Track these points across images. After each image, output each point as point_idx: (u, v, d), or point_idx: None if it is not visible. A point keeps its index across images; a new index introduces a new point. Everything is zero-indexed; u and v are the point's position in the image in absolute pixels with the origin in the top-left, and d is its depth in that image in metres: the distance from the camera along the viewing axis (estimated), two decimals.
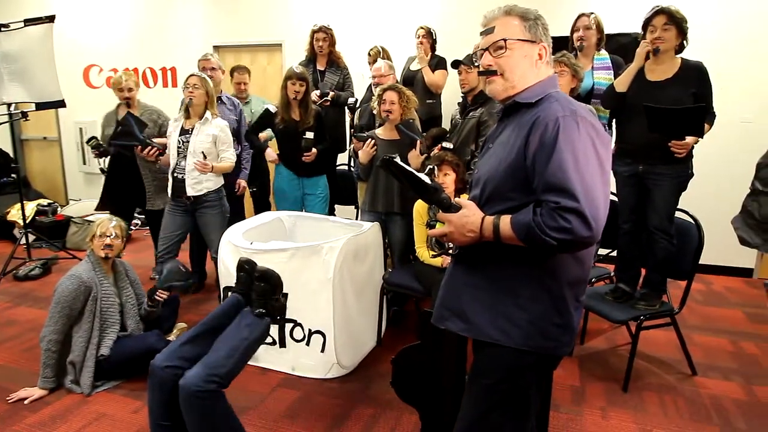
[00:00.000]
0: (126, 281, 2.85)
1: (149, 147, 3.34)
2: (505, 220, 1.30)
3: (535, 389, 1.45)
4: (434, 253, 2.89)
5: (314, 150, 3.59)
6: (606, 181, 1.30)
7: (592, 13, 3.25)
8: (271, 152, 3.92)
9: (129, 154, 3.49)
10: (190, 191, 3.29)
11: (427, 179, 1.42)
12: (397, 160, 1.41)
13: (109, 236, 2.73)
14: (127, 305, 2.81)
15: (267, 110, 3.67)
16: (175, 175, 3.33)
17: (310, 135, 3.56)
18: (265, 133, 3.94)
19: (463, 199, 1.42)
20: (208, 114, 3.30)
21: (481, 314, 1.42)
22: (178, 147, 3.30)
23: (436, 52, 4.06)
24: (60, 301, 2.58)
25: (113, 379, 2.71)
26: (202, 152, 3.25)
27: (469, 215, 1.36)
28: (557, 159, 1.25)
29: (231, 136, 3.43)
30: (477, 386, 1.49)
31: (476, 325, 1.43)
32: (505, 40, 1.39)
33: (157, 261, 3.45)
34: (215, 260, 3.33)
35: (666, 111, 2.57)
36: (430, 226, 2.86)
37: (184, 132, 3.30)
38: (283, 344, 2.79)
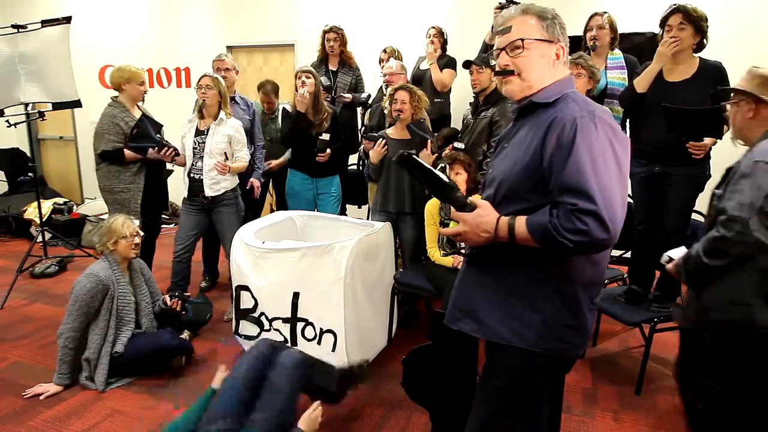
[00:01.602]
0: (141, 279, 2.89)
1: (165, 148, 3.36)
2: (521, 221, 1.29)
3: (547, 391, 1.44)
4: (445, 252, 2.90)
5: (328, 151, 3.60)
6: (624, 184, 1.28)
7: (605, 12, 3.22)
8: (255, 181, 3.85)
9: (142, 156, 3.51)
10: (209, 191, 3.32)
11: (443, 176, 1.40)
12: (414, 155, 1.40)
13: (136, 236, 2.79)
14: (142, 303, 2.85)
15: (284, 110, 3.70)
16: (192, 175, 3.35)
17: (326, 136, 3.58)
18: (284, 158, 4.00)
19: (479, 199, 1.40)
20: (222, 114, 3.33)
21: (494, 315, 1.41)
22: (194, 148, 3.32)
23: (447, 53, 4.06)
24: (78, 299, 2.62)
25: (127, 375, 2.75)
26: (224, 153, 3.29)
27: (484, 215, 1.35)
28: (575, 160, 1.23)
29: (245, 136, 3.45)
30: (489, 387, 1.48)
31: (488, 326, 1.42)
32: (522, 40, 1.37)
33: (174, 260, 3.46)
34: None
35: (685, 112, 2.53)
36: (443, 224, 2.86)
37: (199, 133, 3.33)
38: (294, 343, 2.80)
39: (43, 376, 2.74)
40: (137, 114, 3.52)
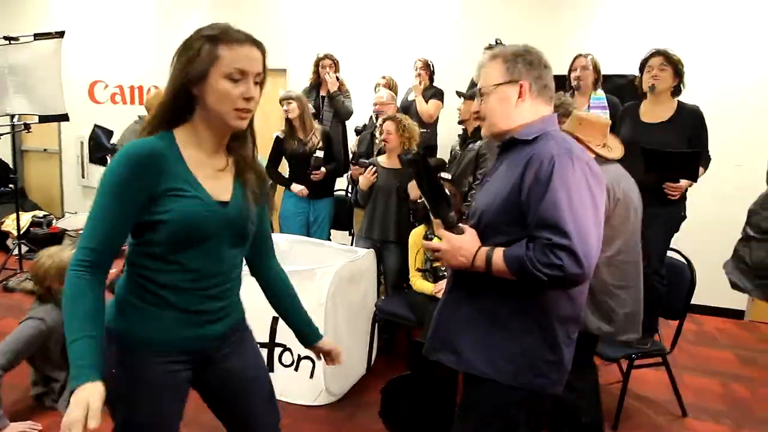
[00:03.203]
0: None
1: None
2: (498, 253, 1.32)
3: (524, 427, 1.43)
4: (424, 275, 2.90)
5: (323, 169, 3.62)
6: (599, 220, 1.31)
7: (589, 54, 3.34)
8: (296, 186, 3.73)
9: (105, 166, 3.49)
10: None
11: (447, 191, 1.43)
12: (429, 161, 1.42)
13: None
14: None
15: (276, 137, 3.74)
16: None
17: (320, 154, 3.61)
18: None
19: (467, 226, 1.43)
20: None
21: (472, 347, 1.41)
22: None
23: (435, 84, 4.14)
24: (18, 341, 2.37)
25: None
26: None
27: (467, 241, 1.38)
28: (551, 196, 1.26)
29: None
30: (465, 420, 1.48)
31: (466, 359, 1.42)
32: (479, 89, 1.46)
33: None
34: None
35: (662, 154, 2.62)
36: (427, 238, 2.87)
37: None
38: (271, 369, 2.76)
39: (14, 393, 2.65)
40: None
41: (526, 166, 1.33)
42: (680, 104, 2.82)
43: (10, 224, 5.02)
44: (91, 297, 1.13)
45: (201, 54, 1.19)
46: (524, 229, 1.32)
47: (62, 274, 2.29)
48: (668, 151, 2.61)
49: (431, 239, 1.49)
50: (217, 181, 1.26)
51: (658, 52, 2.79)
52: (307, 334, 1.62)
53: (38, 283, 2.49)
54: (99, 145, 3.30)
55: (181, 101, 1.21)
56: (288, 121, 3.63)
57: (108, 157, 3.30)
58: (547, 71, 1.45)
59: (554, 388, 1.42)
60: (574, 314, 1.43)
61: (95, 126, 3.41)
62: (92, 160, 3.46)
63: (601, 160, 2.05)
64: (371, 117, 4.07)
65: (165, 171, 1.17)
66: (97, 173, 3.80)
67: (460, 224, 1.42)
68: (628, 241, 2.08)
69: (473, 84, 3.69)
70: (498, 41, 3.42)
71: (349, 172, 3.87)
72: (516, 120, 1.42)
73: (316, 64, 4.21)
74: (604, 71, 3.40)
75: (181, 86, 1.19)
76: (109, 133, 3.41)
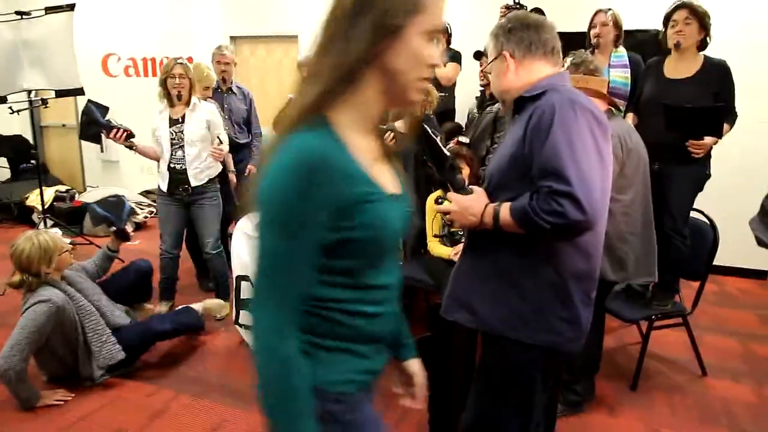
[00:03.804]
0: (83, 278, 2.73)
1: (115, 129, 3.11)
2: (505, 207, 1.34)
3: (540, 385, 1.45)
4: (440, 234, 2.92)
5: None
6: (605, 169, 1.31)
7: (609, 9, 3.21)
8: None
9: (98, 143, 3.47)
10: (194, 181, 3.19)
11: (448, 154, 1.45)
12: (428, 128, 1.45)
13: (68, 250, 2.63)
14: (102, 301, 2.69)
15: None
16: (173, 166, 3.18)
17: None
18: None
19: (475, 186, 1.46)
20: (194, 99, 3.20)
21: (487, 306, 1.43)
22: (172, 138, 3.17)
23: (452, 46, 4.05)
24: (27, 327, 2.34)
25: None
26: (218, 137, 3.22)
27: (475, 199, 1.41)
28: (551, 143, 1.26)
29: (221, 118, 3.35)
30: (483, 379, 1.51)
31: (482, 317, 1.44)
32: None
33: (166, 256, 3.35)
34: (210, 257, 3.33)
35: (684, 110, 2.54)
36: (438, 202, 2.89)
37: (173, 122, 3.17)
38: None
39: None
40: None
41: (529, 119, 1.34)
42: (706, 59, 2.71)
43: (34, 199, 5.13)
44: (307, 374, 0.89)
45: (395, 3, 0.87)
46: (531, 184, 1.32)
47: (48, 255, 2.43)
48: (690, 107, 2.53)
49: (442, 203, 1.50)
50: (379, 171, 0.97)
51: (683, 5, 2.67)
52: (401, 346, 1.26)
53: (26, 271, 2.42)
54: (93, 121, 3.22)
55: (360, 70, 0.89)
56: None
57: (102, 134, 3.23)
58: (533, 30, 1.46)
59: (570, 345, 1.42)
60: (589, 271, 1.42)
61: (89, 101, 3.34)
62: (84, 137, 3.34)
63: (609, 113, 2.09)
64: None
65: (342, 174, 0.86)
66: (114, 146, 3.76)
67: (468, 186, 1.44)
68: (639, 190, 2.15)
69: None
70: (517, 3, 3.31)
71: None
72: (517, 85, 1.46)
73: None
74: (625, 26, 3.27)
75: (365, 48, 0.87)
76: (105, 109, 3.33)
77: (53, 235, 2.61)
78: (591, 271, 1.42)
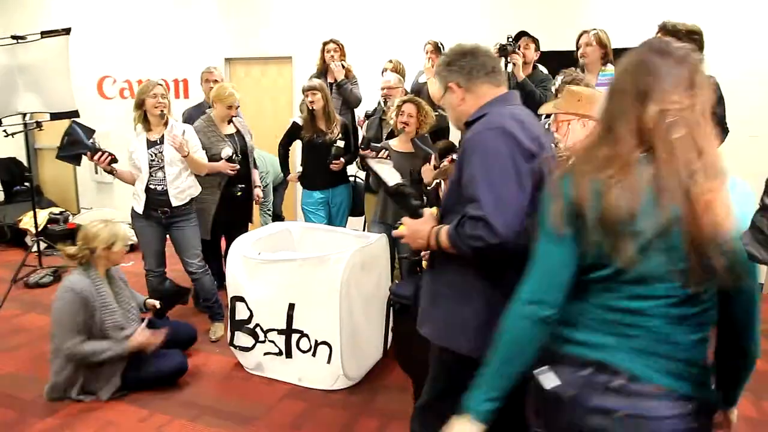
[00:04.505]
0: (121, 286, 2.81)
1: (99, 152, 3.13)
2: (443, 230, 1.44)
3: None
4: (404, 257, 2.97)
5: (342, 159, 3.63)
6: (524, 192, 1.35)
7: (593, 29, 3.27)
8: (293, 176, 3.94)
9: (76, 165, 3.44)
10: (174, 201, 3.17)
11: (392, 182, 1.60)
12: (373, 162, 1.52)
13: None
14: (131, 310, 2.78)
15: (294, 123, 3.76)
16: (152, 187, 3.16)
17: (341, 144, 3.62)
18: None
19: (427, 209, 1.57)
20: (170, 120, 3.23)
21: (439, 320, 1.55)
22: (151, 160, 3.15)
23: None
24: (60, 319, 2.54)
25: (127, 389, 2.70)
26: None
27: (423, 223, 1.53)
28: (470, 170, 1.37)
29: (197, 137, 3.34)
30: (430, 388, 1.66)
31: (435, 331, 1.56)
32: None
33: (152, 276, 3.33)
34: (198, 276, 3.30)
35: None
36: (395, 227, 2.91)
37: (151, 144, 3.16)
38: (289, 355, 2.80)
39: (36, 387, 2.71)
40: (227, 130, 3.54)
41: (463, 147, 1.44)
42: None
43: (28, 222, 5.10)
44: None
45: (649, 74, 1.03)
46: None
47: (111, 240, 2.63)
48: None
49: (398, 228, 1.63)
50: None
51: (663, 25, 2.72)
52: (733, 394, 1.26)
53: (85, 242, 2.61)
54: (77, 142, 3.20)
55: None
56: (310, 110, 3.63)
57: (86, 156, 3.19)
58: (470, 57, 1.54)
59: None
60: None
61: (73, 122, 3.33)
62: (63, 157, 3.27)
63: None
64: (379, 101, 4.05)
65: None
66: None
67: (421, 211, 1.58)
68: None
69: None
70: (509, 39, 3.41)
71: (357, 159, 3.87)
72: (470, 111, 1.54)
73: (323, 50, 4.19)
74: (616, 44, 3.32)
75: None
76: (91, 132, 3.31)
77: (125, 229, 2.76)
78: None
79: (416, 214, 1.56)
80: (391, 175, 1.65)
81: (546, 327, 1.09)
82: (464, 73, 1.53)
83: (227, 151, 3.45)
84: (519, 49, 3.50)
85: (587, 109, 2.12)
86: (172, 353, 2.81)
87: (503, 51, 3.36)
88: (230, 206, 3.60)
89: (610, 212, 1.00)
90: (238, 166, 3.48)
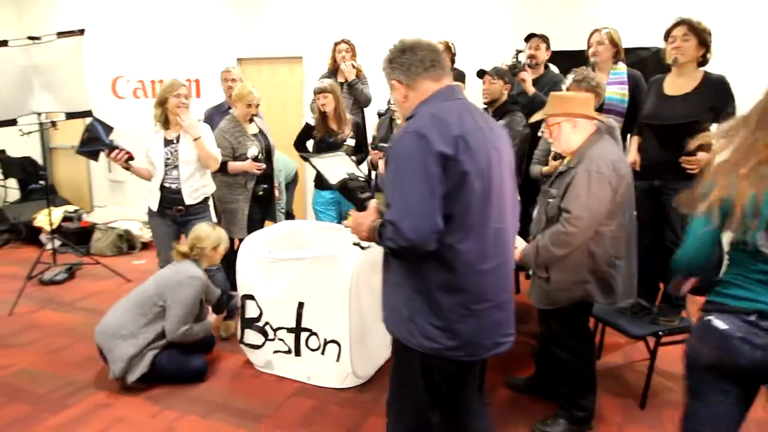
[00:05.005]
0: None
1: (117, 150, 3.21)
2: (376, 225, 1.51)
3: (427, 389, 1.58)
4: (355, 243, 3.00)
5: (354, 158, 3.64)
6: (435, 193, 1.38)
7: (605, 28, 3.25)
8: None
9: (94, 160, 3.52)
10: (189, 200, 3.19)
11: (335, 178, 1.70)
12: (315, 159, 1.63)
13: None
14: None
15: (306, 124, 3.79)
16: (167, 186, 3.19)
17: (351, 142, 3.65)
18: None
19: (372, 201, 1.64)
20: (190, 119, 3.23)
21: (386, 309, 1.63)
22: (166, 158, 3.17)
23: (456, 65, 4.09)
24: (187, 304, 2.78)
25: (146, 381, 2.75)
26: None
27: (365, 216, 1.59)
28: (387, 174, 1.46)
29: (212, 135, 3.35)
30: (392, 379, 1.73)
31: (386, 319, 1.64)
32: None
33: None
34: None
35: (670, 127, 2.57)
36: (345, 219, 2.98)
37: (168, 143, 3.19)
38: (298, 353, 2.82)
39: (50, 382, 2.76)
40: (250, 130, 3.54)
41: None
42: (706, 74, 2.73)
43: (42, 220, 5.18)
44: None
45: None
46: None
47: (217, 242, 2.99)
48: (674, 124, 2.57)
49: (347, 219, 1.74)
50: None
51: (682, 21, 2.69)
52: None
53: (198, 242, 2.94)
54: (96, 139, 3.26)
55: None
56: (321, 111, 3.65)
57: (103, 153, 3.24)
58: (409, 53, 1.55)
59: (452, 354, 1.51)
60: (458, 285, 1.49)
61: (94, 118, 3.39)
62: (82, 151, 3.34)
63: (598, 135, 2.20)
64: (389, 100, 4.05)
65: None
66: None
67: (367, 204, 1.65)
68: (627, 214, 2.21)
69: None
70: (518, 53, 3.46)
71: (369, 157, 3.89)
72: (414, 107, 1.56)
73: (334, 50, 4.21)
74: (627, 44, 3.30)
75: None
76: (110, 129, 3.35)
77: (226, 234, 3.09)
78: (457, 282, 1.49)
79: (363, 207, 1.63)
80: (337, 171, 1.71)
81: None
82: (404, 70, 1.55)
83: (253, 150, 3.47)
84: (531, 49, 3.51)
85: (574, 108, 2.18)
86: (197, 356, 2.90)
87: (513, 70, 3.39)
88: (255, 205, 3.61)
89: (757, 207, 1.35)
90: (264, 166, 3.50)
